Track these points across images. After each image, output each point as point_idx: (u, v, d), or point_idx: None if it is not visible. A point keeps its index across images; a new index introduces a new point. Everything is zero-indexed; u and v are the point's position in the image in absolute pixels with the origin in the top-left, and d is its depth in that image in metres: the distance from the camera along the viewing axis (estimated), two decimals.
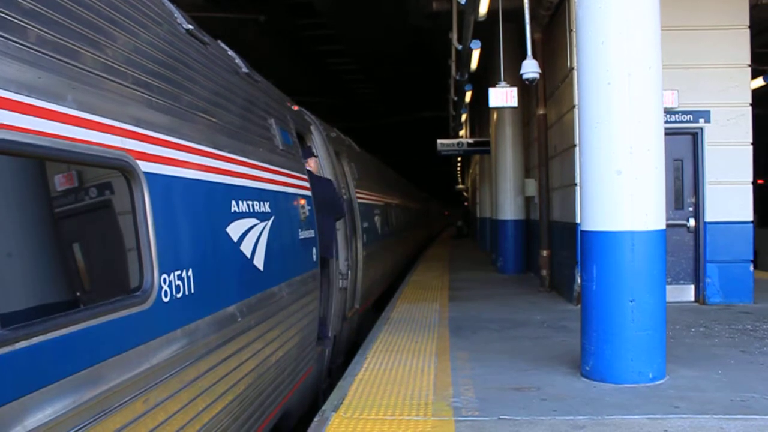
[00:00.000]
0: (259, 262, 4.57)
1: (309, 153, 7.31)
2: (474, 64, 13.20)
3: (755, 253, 10.62)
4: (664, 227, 5.99)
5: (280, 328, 5.01)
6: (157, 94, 3.41)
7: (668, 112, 9.45)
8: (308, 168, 6.92)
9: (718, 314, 9.12)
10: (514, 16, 10.39)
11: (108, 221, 3.05)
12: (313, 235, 6.33)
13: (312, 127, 8.07)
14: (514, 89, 11.07)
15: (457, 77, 15.10)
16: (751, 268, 10.09)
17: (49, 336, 2.29)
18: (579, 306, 6.53)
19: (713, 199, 9.98)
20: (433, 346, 7.56)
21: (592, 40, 5.99)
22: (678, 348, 6.97)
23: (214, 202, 3.99)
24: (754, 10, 10.24)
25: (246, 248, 4.37)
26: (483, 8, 9.92)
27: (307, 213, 6.24)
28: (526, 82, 9.46)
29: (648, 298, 5.83)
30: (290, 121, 6.65)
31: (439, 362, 6.75)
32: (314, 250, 6.34)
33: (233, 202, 4.24)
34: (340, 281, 7.92)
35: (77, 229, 2.85)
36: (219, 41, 5.39)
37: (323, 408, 5.42)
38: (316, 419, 5.16)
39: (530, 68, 9.13)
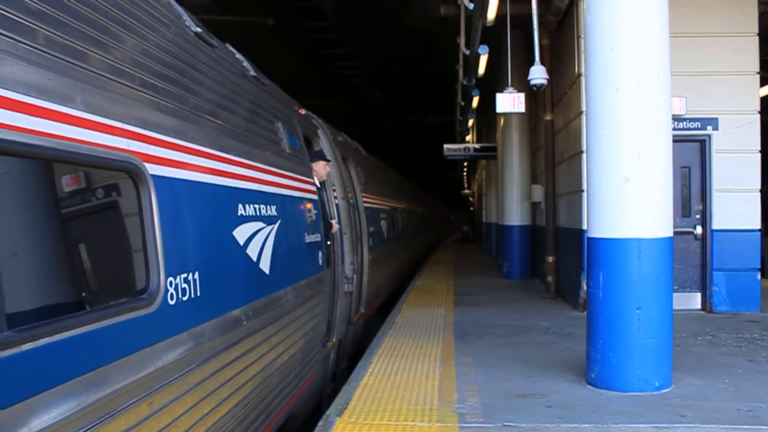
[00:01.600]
0: (265, 265, 4.57)
1: (319, 155, 7.20)
2: (481, 69, 13.20)
3: (762, 261, 10.57)
4: (671, 234, 5.97)
5: (286, 332, 5.00)
6: (165, 97, 3.41)
7: (676, 119, 9.42)
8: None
9: (725, 323, 9.07)
10: (522, 21, 10.37)
11: (115, 223, 3.05)
12: (319, 239, 6.33)
13: (319, 131, 8.08)
14: (522, 95, 11.05)
15: (465, 82, 15.12)
16: (759, 276, 10.04)
17: (55, 338, 2.29)
18: (584, 312, 6.50)
19: (720, 207, 9.94)
20: (437, 351, 7.54)
21: (600, 46, 5.98)
22: (684, 356, 6.93)
23: (221, 205, 3.99)
24: (763, 17, 10.20)
25: (252, 252, 4.37)
26: (491, 13, 9.92)
27: (314, 217, 6.24)
28: (534, 88, 9.45)
29: (655, 305, 5.81)
30: (297, 125, 6.65)
31: (443, 368, 6.73)
32: (320, 253, 6.34)
33: (240, 206, 4.24)
34: (346, 285, 7.91)
35: (84, 230, 2.85)
36: (227, 44, 5.40)
37: (327, 412, 5.41)
38: (320, 424, 5.14)
39: (538, 74, 9.12)
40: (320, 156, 7.16)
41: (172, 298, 3.12)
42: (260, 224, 4.57)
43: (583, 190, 9.49)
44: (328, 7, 16.95)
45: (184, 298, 3.26)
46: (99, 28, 2.90)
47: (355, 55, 21.54)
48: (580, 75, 9.70)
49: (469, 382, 6.20)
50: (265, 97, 5.67)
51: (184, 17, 4.25)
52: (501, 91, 11.23)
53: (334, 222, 7.23)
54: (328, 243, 6.98)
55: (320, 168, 7.01)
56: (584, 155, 8.94)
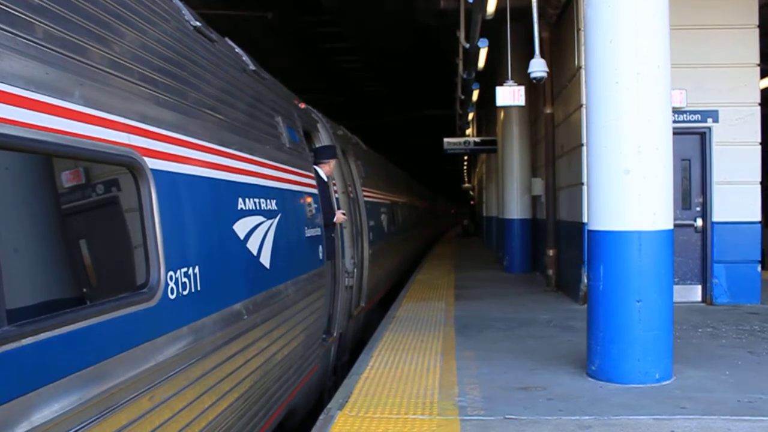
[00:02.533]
0: (265, 259, 4.57)
1: (333, 153, 7.43)
2: (481, 62, 13.18)
3: (763, 253, 10.57)
4: (671, 227, 5.97)
5: (286, 326, 5.01)
6: (164, 91, 3.41)
7: (676, 111, 9.40)
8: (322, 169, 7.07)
9: (726, 315, 9.08)
10: (522, 14, 10.35)
11: (115, 218, 3.05)
12: (319, 233, 6.33)
13: (319, 125, 8.07)
14: (522, 88, 11.04)
15: (465, 75, 15.09)
16: (759, 268, 10.04)
17: (56, 332, 2.29)
18: (585, 305, 6.50)
19: (721, 199, 9.93)
20: (438, 344, 7.55)
21: (600, 39, 5.97)
22: (685, 348, 6.94)
23: (221, 200, 3.98)
24: (763, 9, 10.17)
25: (252, 246, 4.37)
26: (491, 6, 9.90)
27: (314, 211, 6.24)
28: (534, 81, 9.44)
29: (655, 298, 5.81)
30: (297, 119, 6.65)
31: (444, 361, 6.74)
32: (320, 248, 6.34)
33: (240, 200, 4.24)
34: (346, 279, 7.91)
35: (84, 225, 2.85)
36: (226, 38, 5.39)
37: (328, 406, 5.42)
38: (321, 417, 5.15)
39: (538, 67, 9.11)
40: (334, 154, 7.38)
41: (172, 293, 3.13)
42: (260, 218, 4.57)
43: (583, 183, 9.48)
44: (328, 1, 16.92)
45: (185, 293, 3.26)
46: (98, 22, 2.89)
47: (354, 48, 21.51)
48: (580, 68, 9.68)
49: (470, 375, 6.20)
50: (265, 91, 5.66)
51: (183, 11, 4.25)
52: (501, 84, 11.21)
53: (339, 212, 7.28)
54: (333, 235, 7.06)
55: (333, 165, 7.27)
56: (584, 148, 8.93)
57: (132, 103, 3.03)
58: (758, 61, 9.95)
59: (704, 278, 10.05)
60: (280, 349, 4.82)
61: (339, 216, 7.19)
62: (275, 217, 4.90)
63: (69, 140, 2.49)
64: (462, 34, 12.53)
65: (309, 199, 6.16)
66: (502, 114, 17.07)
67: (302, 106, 7.44)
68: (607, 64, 5.92)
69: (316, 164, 6.90)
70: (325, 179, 7.10)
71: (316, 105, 9.08)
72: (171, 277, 3.12)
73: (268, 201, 4.81)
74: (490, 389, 5.72)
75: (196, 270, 3.41)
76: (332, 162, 7.32)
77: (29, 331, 2.17)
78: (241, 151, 4.39)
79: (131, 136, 2.94)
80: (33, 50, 2.39)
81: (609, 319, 5.89)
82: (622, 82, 5.83)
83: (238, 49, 5.47)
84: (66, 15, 2.65)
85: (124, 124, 2.90)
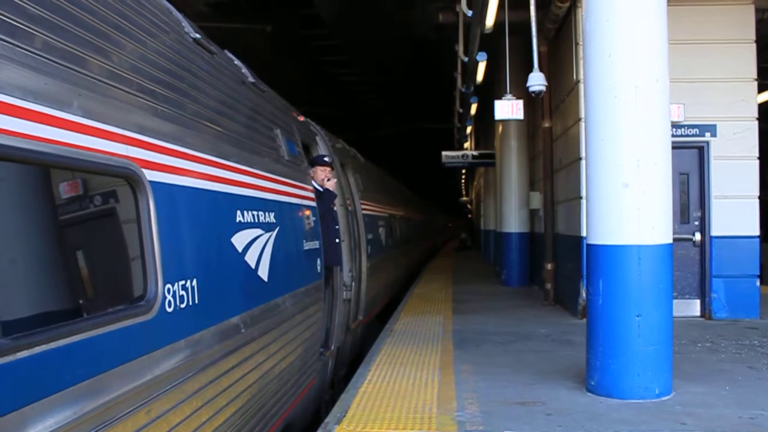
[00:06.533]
0: (263, 272, 4.54)
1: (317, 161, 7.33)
2: (480, 76, 13.21)
3: (761, 267, 10.56)
4: (671, 241, 5.96)
5: (284, 340, 4.98)
6: (163, 103, 3.39)
7: (674, 125, 9.41)
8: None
9: (725, 329, 9.06)
10: (521, 28, 10.39)
11: (112, 230, 3.03)
12: (317, 246, 6.31)
13: (317, 138, 8.07)
14: (520, 102, 11.04)
15: (463, 89, 15.11)
16: (758, 283, 10.04)
17: (52, 345, 2.27)
18: (583, 320, 6.48)
19: (719, 213, 9.94)
20: (436, 359, 7.52)
21: (599, 53, 5.98)
22: (685, 363, 6.91)
23: (219, 212, 3.97)
24: (760, 24, 10.23)
25: (250, 259, 4.34)
26: (489, 21, 9.93)
27: (312, 224, 6.22)
28: (533, 95, 9.44)
29: (655, 312, 5.79)
30: (296, 132, 6.64)
31: (442, 375, 6.70)
32: (319, 261, 6.32)
33: (238, 212, 4.22)
34: (344, 292, 7.88)
35: (81, 237, 2.83)
36: (226, 50, 5.39)
37: (326, 420, 5.38)
38: None
39: (536, 81, 9.11)
40: (318, 162, 7.25)
41: (169, 306, 3.10)
42: (259, 231, 4.55)
43: (582, 197, 9.48)
44: (327, 15, 16.97)
45: (182, 306, 3.23)
46: (98, 33, 2.88)
47: (353, 62, 21.56)
48: (578, 82, 9.71)
49: (468, 389, 6.17)
50: (264, 103, 5.66)
51: (183, 23, 4.24)
52: (499, 97, 11.22)
53: (333, 180, 7.31)
54: (337, 227, 7.16)
55: (316, 173, 7.09)
56: (583, 162, 8.94)
57: (131, 114, 3.02)
58: (755, 76, 10.00)
59: (703, 293, 10.04)
60: (277, 362, 4.79)
61: (332, 183, 7.23)
62: (273, 230, 4.88)
63: (67, 151, 2.48)
64: (460, 48, 12.55)
65: (307, 212, 6.14)
66: (500, 128, 17.09)
67: (301, 118, 7.43)
68: (605, 78, 5.93)
69: None
70: (320, 189, 7.03)
71: (315, 117, 9.08)
72: (168, 289, 3.10)
73: (267, 214, 4.79)
74: (489, 404, 5.69)
75: (194, 283, 3.38)
76: (314, 169, 7.09)
77: (25, 344, 2.15)
78: (239, 163, 4.38)
79: (129, 147, 2.93)
80: (32, 60, 2.38)
81: (608, 333, 5.86)
82: (621, 95, 5.84)
83: (237, 61, 5.47)
84: (65, 26, 2.64)
85: (122, 135, 2.89)
